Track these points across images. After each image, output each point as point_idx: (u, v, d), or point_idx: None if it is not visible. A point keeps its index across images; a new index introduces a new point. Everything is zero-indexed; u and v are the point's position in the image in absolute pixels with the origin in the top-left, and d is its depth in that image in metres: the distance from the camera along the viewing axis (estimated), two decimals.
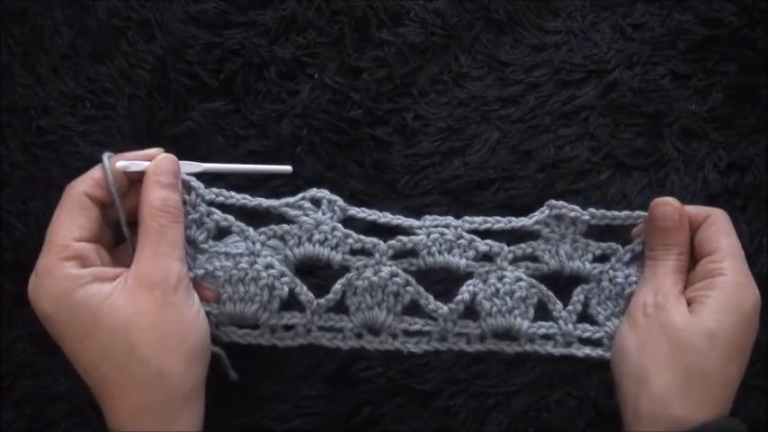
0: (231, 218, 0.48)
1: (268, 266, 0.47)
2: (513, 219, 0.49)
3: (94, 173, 0.45)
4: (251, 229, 0.48)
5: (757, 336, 0.53)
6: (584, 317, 0.48)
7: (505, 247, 0.48)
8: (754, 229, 0.57)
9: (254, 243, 0.47)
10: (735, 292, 0.44)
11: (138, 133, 0.56)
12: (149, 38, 0.58)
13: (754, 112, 0.58)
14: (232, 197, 0.48)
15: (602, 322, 0.47)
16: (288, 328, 0.48)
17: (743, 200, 0.57)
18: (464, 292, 0.47)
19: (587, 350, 0.47)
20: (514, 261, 0.48)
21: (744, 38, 0.59)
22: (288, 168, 0.51)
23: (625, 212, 0.49)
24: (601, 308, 0.47)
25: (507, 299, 0.46)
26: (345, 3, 0.58)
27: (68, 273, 0.41)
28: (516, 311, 0.46)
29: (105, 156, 0.46)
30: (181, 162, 0.47)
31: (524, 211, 0.54)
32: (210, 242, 0.47)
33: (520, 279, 0.47)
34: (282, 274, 0.47)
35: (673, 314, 0.44)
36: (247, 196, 0.48)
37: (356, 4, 0.58)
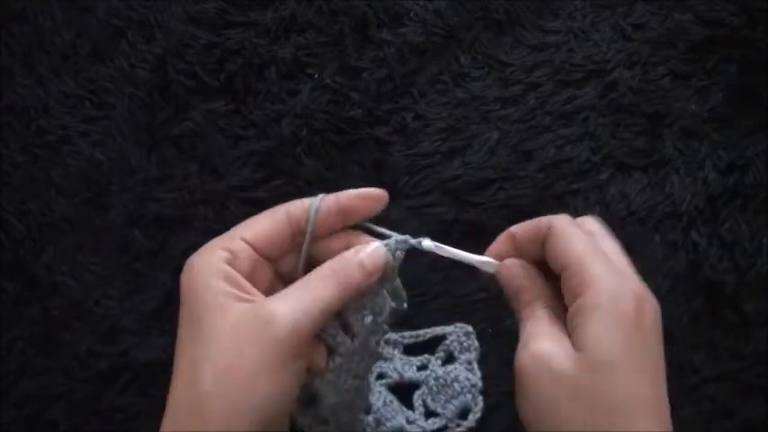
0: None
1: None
2: None
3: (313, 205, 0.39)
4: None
5: (757, 336, 0.53)
6: (431, 412, 0.54)
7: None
8: (754, 229, 0.57)
9: None
10: (608, 303, 0.36)
11: (138, 133, 0.56)
12: (149, 38, 0.58)
13: (754, 112, 0.58)
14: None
15: (440, 411, 0.54)
16: None
17: (743, 200, 0.57)
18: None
19: None
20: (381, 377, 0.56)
21: (744, 38, 0.59)
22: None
23: (434, 328, 0.54)
24: (435, 402, 0.54)
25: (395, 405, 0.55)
26: (345, 3, 0.58)
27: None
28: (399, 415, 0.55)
29: (320, 198, 0.39)
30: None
31: (524, 211, 0.54)
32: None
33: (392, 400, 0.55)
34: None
35: (559, 361, 0.36)
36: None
37: (356, 4, 0.58)
